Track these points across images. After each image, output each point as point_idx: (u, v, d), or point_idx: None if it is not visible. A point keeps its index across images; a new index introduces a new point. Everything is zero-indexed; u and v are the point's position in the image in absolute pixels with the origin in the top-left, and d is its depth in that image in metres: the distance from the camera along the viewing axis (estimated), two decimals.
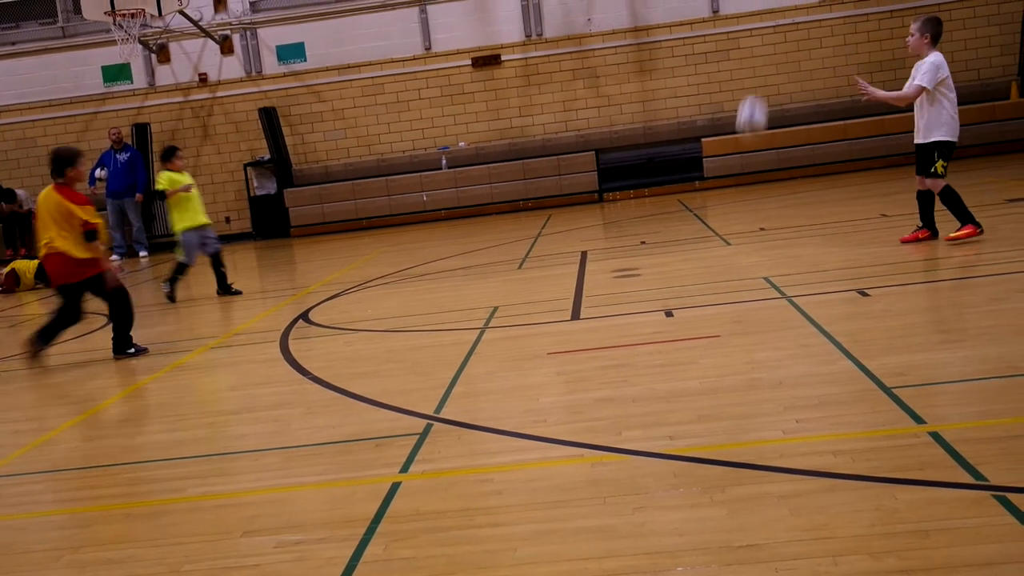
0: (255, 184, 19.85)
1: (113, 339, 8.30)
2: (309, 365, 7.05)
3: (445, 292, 10.07)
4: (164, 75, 19.89)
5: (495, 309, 8.38)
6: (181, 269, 11.39)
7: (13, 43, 20.16)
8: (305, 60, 19.62)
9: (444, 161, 19.31)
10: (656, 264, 9.99)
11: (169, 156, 11.42)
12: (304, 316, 9.26)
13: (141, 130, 19.56)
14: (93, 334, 9.38)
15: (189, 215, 11.23)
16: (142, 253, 18.92)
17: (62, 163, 8.11)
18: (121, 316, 8.27)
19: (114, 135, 18.51)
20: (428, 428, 5.12)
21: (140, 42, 18.38)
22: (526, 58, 19.40)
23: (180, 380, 7.29)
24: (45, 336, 8.25)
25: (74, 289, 8.19)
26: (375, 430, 5.24)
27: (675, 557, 3.30)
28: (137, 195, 18.46)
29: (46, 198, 8.13)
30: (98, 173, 18.34)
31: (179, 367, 7.67)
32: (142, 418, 6.54)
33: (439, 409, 5.47)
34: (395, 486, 4.29)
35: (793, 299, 7.24)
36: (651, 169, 19.06)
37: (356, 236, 18.02)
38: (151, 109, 19.92)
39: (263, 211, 19.54)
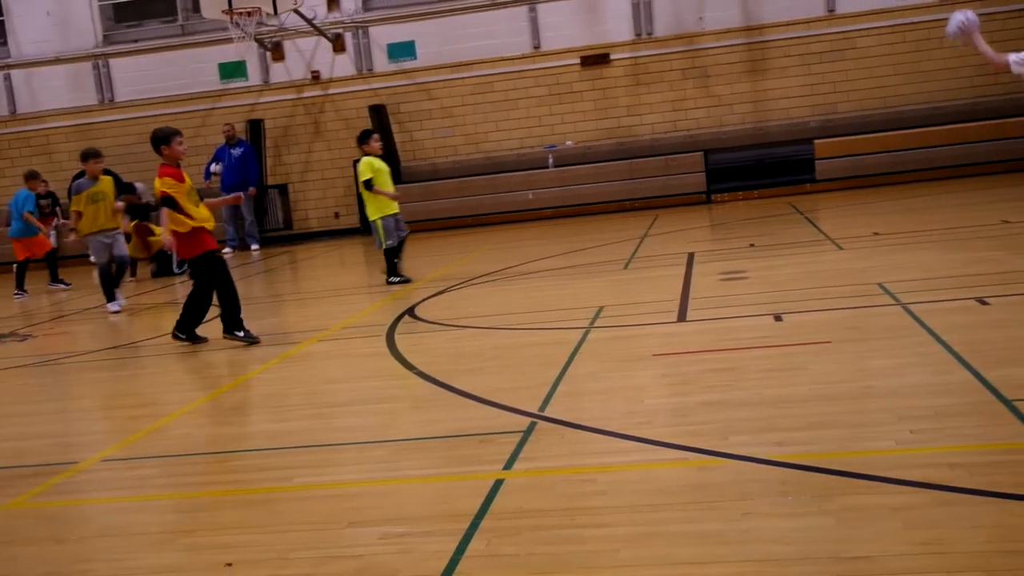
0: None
1: (222, 318, 8.56)
2: (415, 360, 7.11)
3: (550, 291, 10.07)
4: (278, 72, 20.32)
5: (600, 309, 8.34)
6: (390, 255, 11.52)
7: (135, 40, 20.85)
8: (415, 58, 19.83)
9: (551, 160, 19.31)
10: (765, 267, 9.82)
11: (366, 138, 11.51)
12: (410, 311, 9.35)
13: (255, 126, 20.01)
14: (206, 324, 9.62)
15: (385, 203, 11.40)
16: (254, 247, 19.37)
17: (157, 142, 8.43)
18: (228, 299, 8.47)
19: (227, 131, 18.95)
20: (532, 426, 5.12)
21: (255, 40, 18.82)
22: (635, 57, 19.27)
23: (289, 371, 7.44)
24: (184, 327, 8.62)
25: (193, 265, 8.53)
26: (480, 426, 5.25)
27: (782, 566, 3.24)
28: (250, 189, 18.87)
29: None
30: (213, 168, 18.81)
31: (288, 359, 7.83)
32: (252, 407, 6.70)
33: (543, 407, 5.46)
34: (498, 483, 4.30)
35: (908, 306, 7.04)
36: (761, 170, 18.70)
37: (462, 233, 18.14)
38: (265, 106, 20.37)
39: None
